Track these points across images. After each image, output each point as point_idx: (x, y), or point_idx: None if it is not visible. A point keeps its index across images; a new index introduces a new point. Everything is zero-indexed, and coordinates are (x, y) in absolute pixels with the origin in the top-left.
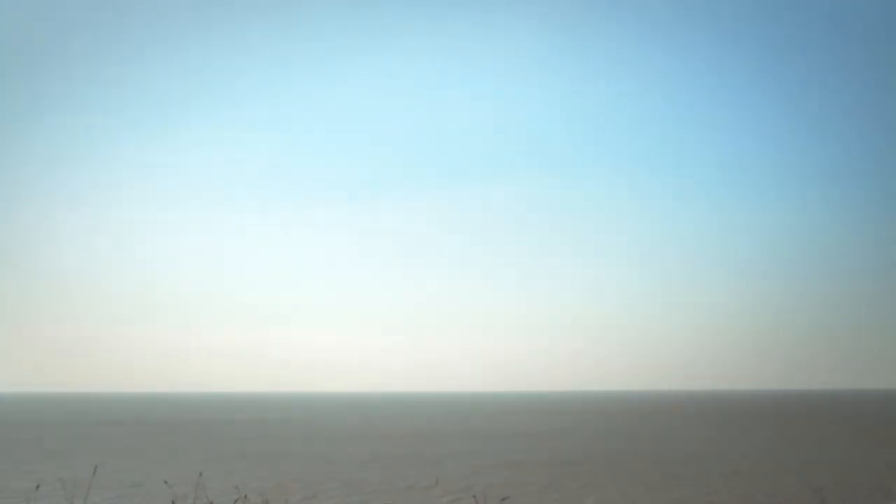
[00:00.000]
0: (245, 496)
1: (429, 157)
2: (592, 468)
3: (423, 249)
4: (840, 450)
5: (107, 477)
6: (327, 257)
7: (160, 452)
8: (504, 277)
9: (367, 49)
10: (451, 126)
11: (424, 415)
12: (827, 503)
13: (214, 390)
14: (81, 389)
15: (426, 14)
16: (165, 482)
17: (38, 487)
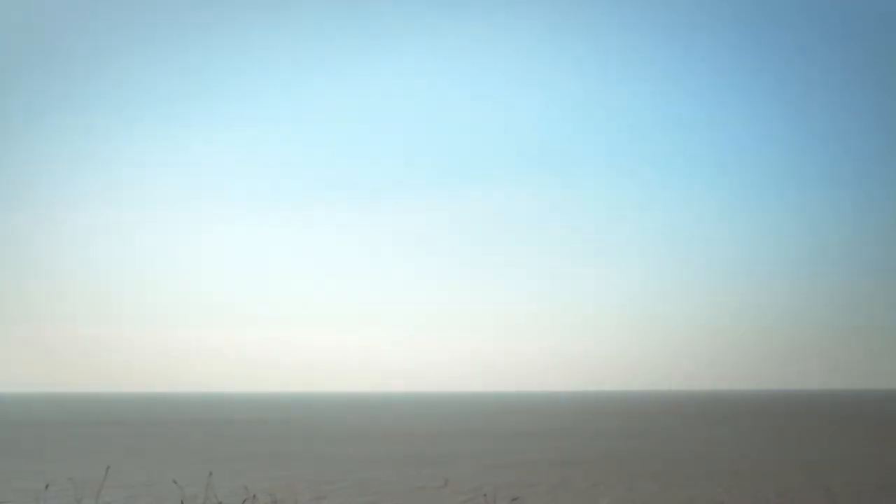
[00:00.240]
0: (254, 496)
1: (432, 157)
2: (601, 468)
3: (426, 249)
4: (845, 449)
5: (116, 477)
6: (330, 257)
7: (166, 453)
8: (506, 278)
9: (371, 49)
10: (454, 126)
11: (428, 415)
12: (839, 502)
13: (215, 390)
14: (81, 389)
15: (431, 14)
16: (175, 482)
17: (47, 487)
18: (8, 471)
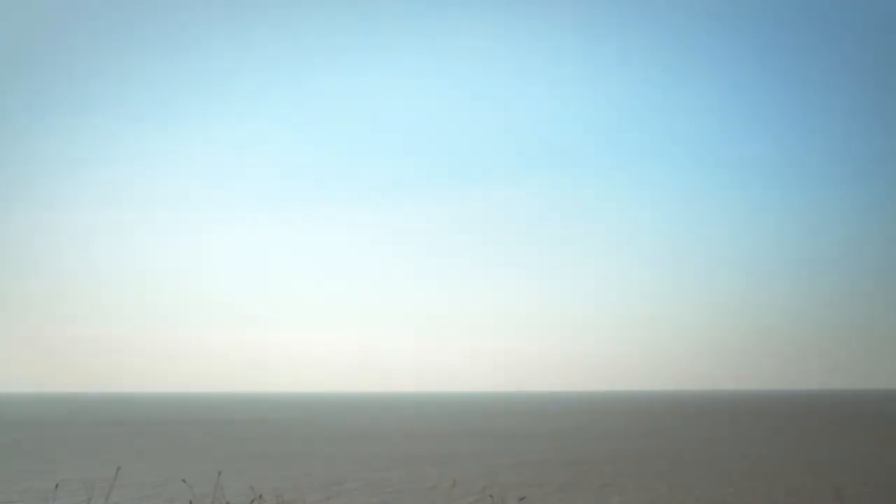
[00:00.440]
0: (261, 496)
1: (433, 157)
2: (609, 468)
3: (426, 249)
4: (850, 449)
5: (125, 476)
6: (330, 257)
7: (172, 452)
8: (507, 277)
9: (372, 49)
10: (454, 126)
11: (431, 415)
12: (849, 502)
13: (215, 390)
14: (81, 389)
15: (433, 14)
16: (184, 481)
17: (56, 487)
18: (15, 471)
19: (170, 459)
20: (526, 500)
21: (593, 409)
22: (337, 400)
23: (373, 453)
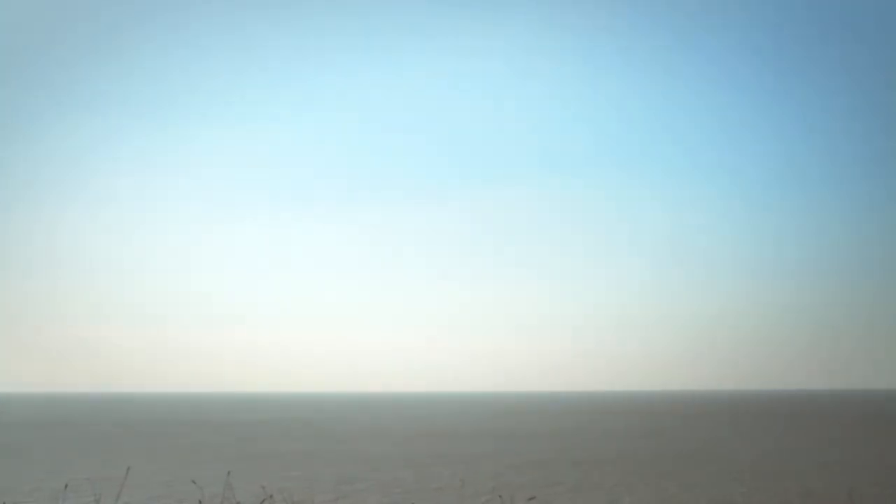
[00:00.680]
0: (271, 496)
1: (437, 158)
2: (618, 467)
3: (430, 249)
4: (858, 450)
5: (133, 476)
6: (334, 257)
7: (178, 452)
8: (510, 278)
9: (378, 48)
10: (458, 127)
11: (438, 415)
12: (862, 503)
13: (215, 390)
14: (81, 389)
15: (439, 13)
16: (194, 482)
17: (66, 487)
18: (22, 471)
19: (177, 459)
20: (535, 500)
21: (594, 409)
22: (338, 400)
23: (379, 453)
